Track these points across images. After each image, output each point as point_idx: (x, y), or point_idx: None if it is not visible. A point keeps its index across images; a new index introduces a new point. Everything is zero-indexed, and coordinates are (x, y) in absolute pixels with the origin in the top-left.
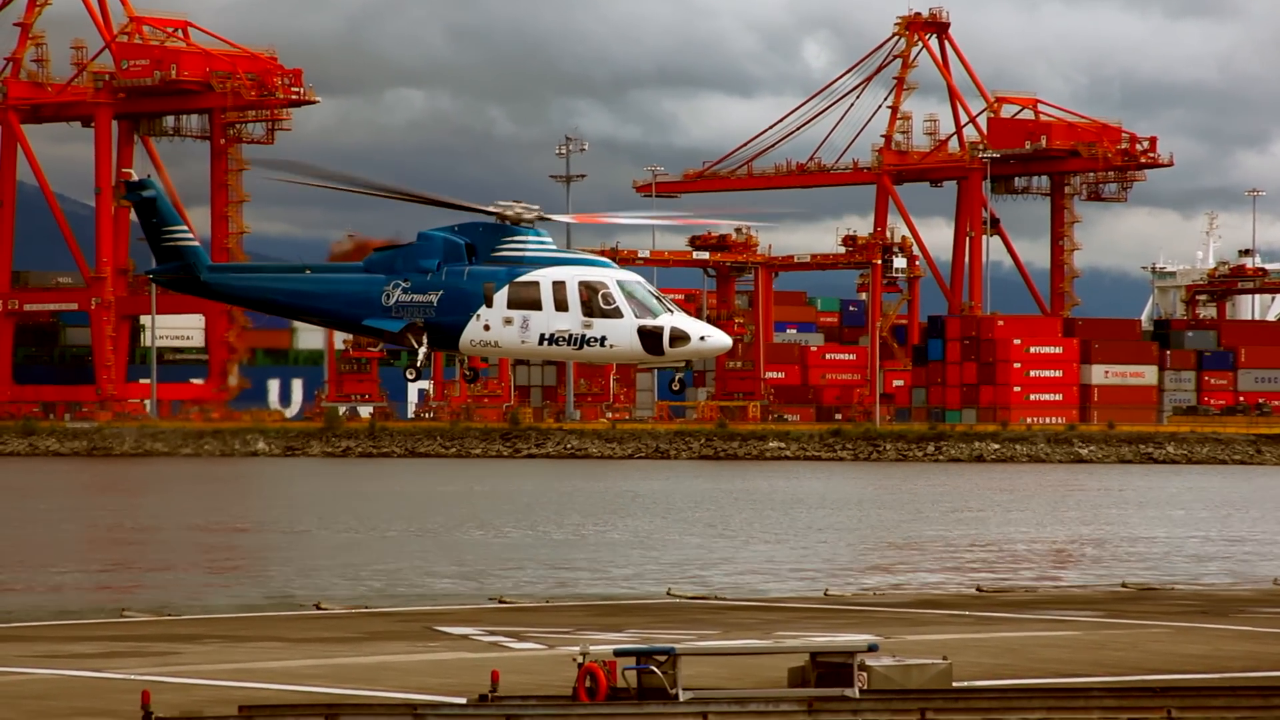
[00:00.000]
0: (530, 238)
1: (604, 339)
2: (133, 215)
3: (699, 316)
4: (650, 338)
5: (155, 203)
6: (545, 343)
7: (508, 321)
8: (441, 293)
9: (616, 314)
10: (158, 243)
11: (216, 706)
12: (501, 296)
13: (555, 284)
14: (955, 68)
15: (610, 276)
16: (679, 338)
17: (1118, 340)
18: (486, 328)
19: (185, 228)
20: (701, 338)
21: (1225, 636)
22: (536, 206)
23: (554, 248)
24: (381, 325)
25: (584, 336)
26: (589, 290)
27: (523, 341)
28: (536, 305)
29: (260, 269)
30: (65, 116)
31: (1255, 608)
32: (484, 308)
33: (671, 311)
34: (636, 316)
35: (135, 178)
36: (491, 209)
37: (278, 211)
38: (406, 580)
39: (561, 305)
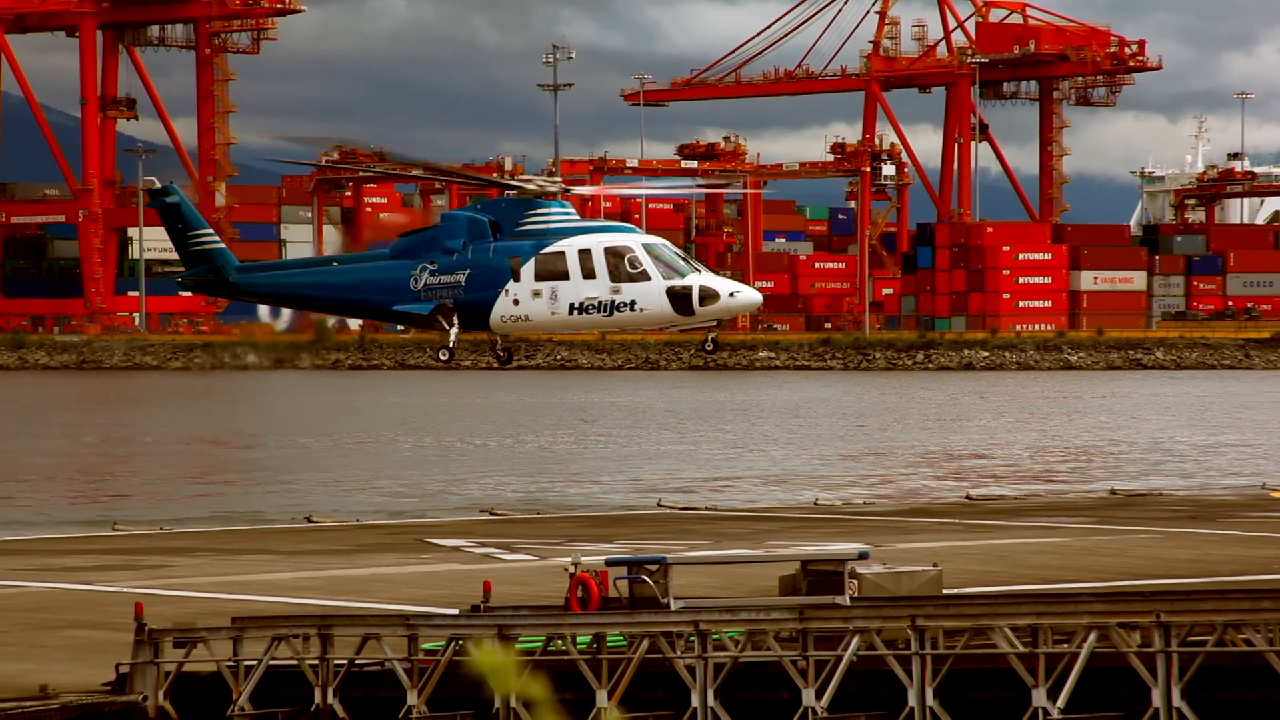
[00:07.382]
0: (554, 209)
1: (634, 303)
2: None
3: (688, 226)
4: (680, 299)
5: (179, 208)
6: (575, 312)
7: (536, 294)
8: (469, 271)
9: (644, 277)
10: (185, 247)
11: (209, 618)
12: (529, 269)
13: (581, 252)
14: None
15: (635, 241)
16: (708, 296)
17: (1106, 246)
18: (516, 302)
19: (211, 231)
20: (731, 294)
21: (1213, 541)
22: (558, 179)
23: (577, 217)
24: (411, 309)
25: (614, 303)
26: (615, 256)
27: (553, 313)
28: (564, 275)
29: (287, 265)
30: (50, 26)
31: (1243, 512)
32: (512, 282)
33: (699, 271)
34: (664, 278)
35: (157, 184)
36: (516, 183)
37: (264, 123)
38: (398, 492)
39: (589, 273)
